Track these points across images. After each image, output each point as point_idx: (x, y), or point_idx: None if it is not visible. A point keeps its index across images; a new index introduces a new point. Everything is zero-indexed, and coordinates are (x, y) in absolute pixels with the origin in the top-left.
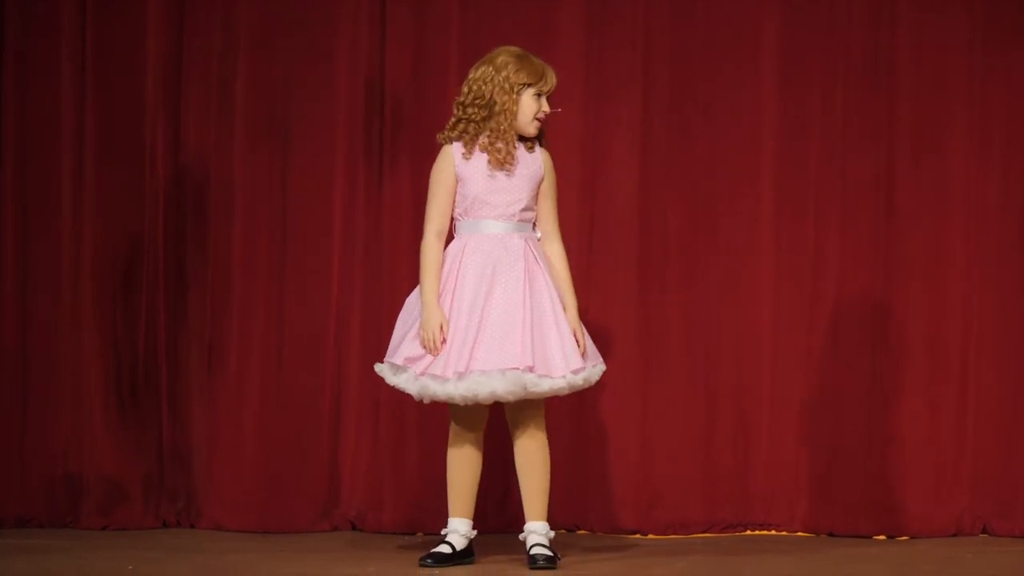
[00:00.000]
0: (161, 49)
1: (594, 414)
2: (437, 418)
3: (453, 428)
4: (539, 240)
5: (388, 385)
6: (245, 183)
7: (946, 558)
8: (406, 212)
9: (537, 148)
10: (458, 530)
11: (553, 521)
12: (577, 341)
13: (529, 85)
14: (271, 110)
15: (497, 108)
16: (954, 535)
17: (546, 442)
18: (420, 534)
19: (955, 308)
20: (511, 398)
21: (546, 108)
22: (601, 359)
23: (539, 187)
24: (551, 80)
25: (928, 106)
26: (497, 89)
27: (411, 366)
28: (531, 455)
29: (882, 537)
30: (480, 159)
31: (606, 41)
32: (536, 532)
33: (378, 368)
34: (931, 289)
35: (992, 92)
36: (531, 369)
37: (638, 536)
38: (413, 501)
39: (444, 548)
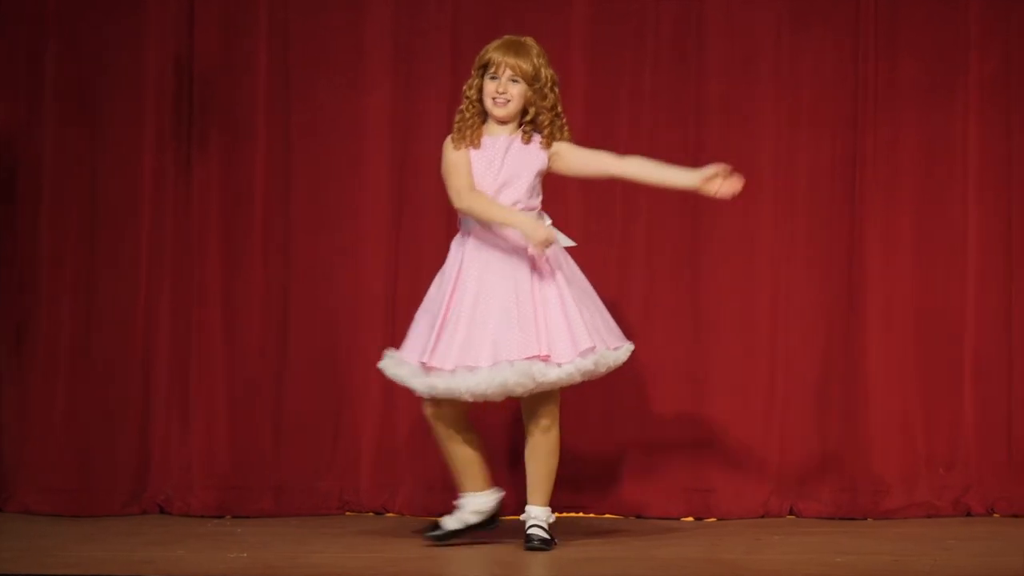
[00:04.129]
0: None
1: (402, 393)
2: (248, 401)
3: (430, 410)
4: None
5: (197, 368)
6: (54, 164)
7: (753, 539)
8: (215, 194)
9: (536, 140)
10: (467, 508)
11: (360, 505)
12: None
13: (482, 69)
14: (80, 90)
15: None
16: (762, 516)
17: (558, 433)
18: (229, 517)
19: (763, 288)
20: (521, 390)
21: (500, 88)
22: (624, 341)
23: (542, 174)
24: (494, 58)
25: (737, 84)
26: (475, 73)
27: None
28: (540, 446)
29: (690, 519)
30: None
31: (415, 16)
32: (535, 517)
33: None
34: (740, 267)
35: (800, 71)
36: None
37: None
38: (222, 483)
39: (450, 523)
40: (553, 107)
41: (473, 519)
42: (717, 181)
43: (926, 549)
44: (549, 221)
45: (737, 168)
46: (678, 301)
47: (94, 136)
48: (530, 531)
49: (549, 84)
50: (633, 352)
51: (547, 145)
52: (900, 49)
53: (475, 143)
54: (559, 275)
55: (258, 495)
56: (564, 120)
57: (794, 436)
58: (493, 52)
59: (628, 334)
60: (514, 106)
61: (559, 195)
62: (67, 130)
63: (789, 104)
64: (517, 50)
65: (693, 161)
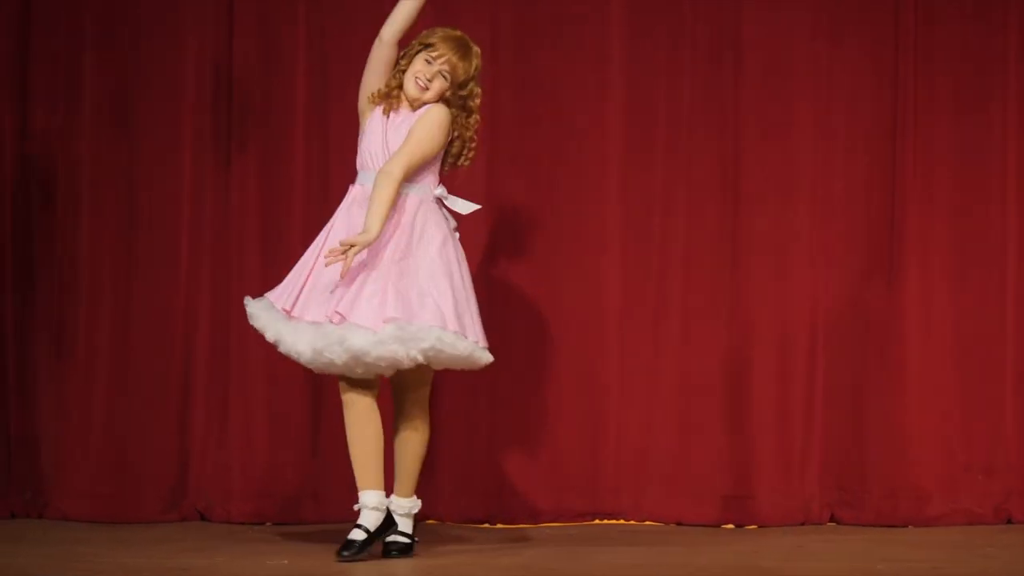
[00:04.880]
0: (7, 35)
1: (441, 402)
2: (287, 407)
3: (343, 392)
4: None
5: (237, 373)
6: (93, 169)
7: (793, 546)
8: (253, 197)
9: (425, 108)
10: (368, 505)
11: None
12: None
13: (422, 46)
14: (118, 95)
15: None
16: (802, 523)
17: (427, 427)
18: (268, 524)
19: (802, 295)
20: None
21: (428, 75)
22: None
23: None
24: (438, 45)
25: (773, 93)
26: (413, 50)
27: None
28: (409, 439)
29: (730, 526)
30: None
31: (452, 20)
32: (399, 507)
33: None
34: (778, 276)
35: (836, 79)
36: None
37: (487, 525)
38: (261, 490)
39: (358, 535)
40: (468, 134)
41: (376, 519)
42: (346, 247)
43: (966, 557)
44: (440, 191)
45: (774, 175)
46: (716, 307)
47: (132, 140)
48: (392, 537)
49: (473, 103)
50: (669, 356)
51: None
52: (938, 59)
53: (391, 109)
54: (424, 250)
55: (297, 502)
56: (473, 145)
57: (834, 442)
58: (440, 40)
59: (666, 339)
60: (428, 96)
61: (598, 196)
62: (105, 134)
63: (826, 113)
64: (463, 52)
65: (733, 169)
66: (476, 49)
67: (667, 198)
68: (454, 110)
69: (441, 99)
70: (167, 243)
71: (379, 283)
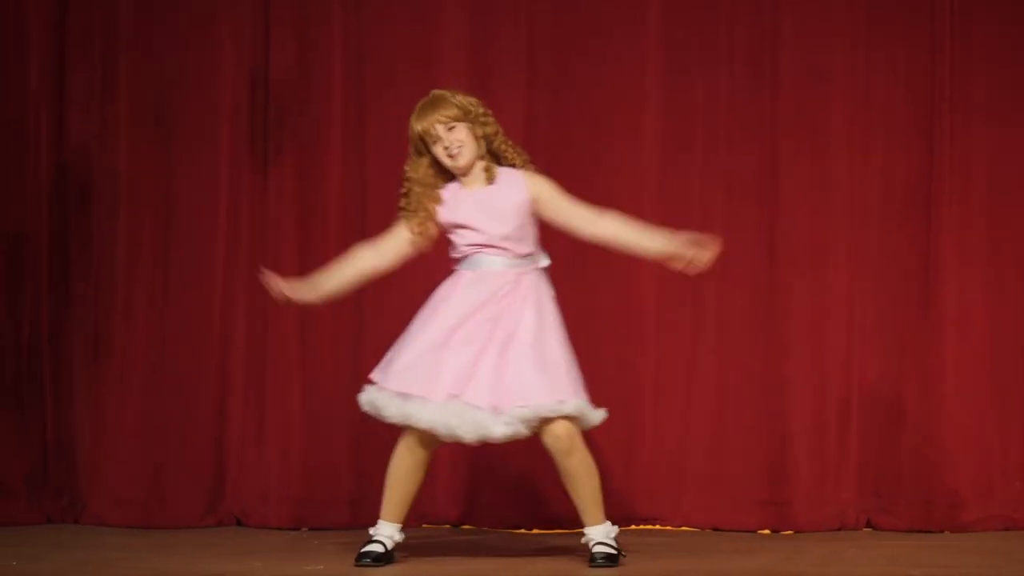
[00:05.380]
0: (44, 41)
1: None
2: (325, 412)
3: (407, 436)
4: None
5: (273, 377)
6: (129, 174)
7: (829, 552)
8: (290, 203)
9: (501, 176)
10: (383, 534)
11: (437, 516)
12: None
13: (420, 145)
14: (155, 101)
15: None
16: (838, 529)
17: (584, 452)
18: (305, 529)
19: (839, 300)
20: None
21: (446, 144)
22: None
23: (522, 209)
24: (423, 127)
25: (810, 98)
26: (414, 152)
27: None
28: (569, 470)
29: (767, 531)
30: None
31: (489, 31)
32: (595, 536)
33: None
34: (814, 281)
35: (873, 85)
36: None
37: (523, 531)
38: (298, 496)
39: (377, 547)
40: (497, 132)
41: (390, 544)
42: (691, 251)
43: (1002, 562)
44: (547, 262)
45: (812, 180)
46: (753, 313)
47: (169, 144)
48: (595, 549)
49: (480, 110)
50: (706, 360)
51: (523, 177)
52: (975, 63)
53: (428, 225)
54: (546, 320)
55: (334, 507)
56: (511, 143)
57: (870, 448)
58: (417, 123)
59: (702, 346)
60: (469, 149)
61: (634, 200)
62: (142, 139)
63: (863, 119)
64: (435, 105)
65: (770, 174)
66: (434, 91)
67: (704, 203)
68: (489, 129)
69: (475, 138)
70: (204, 247)
71: (521, 364)
